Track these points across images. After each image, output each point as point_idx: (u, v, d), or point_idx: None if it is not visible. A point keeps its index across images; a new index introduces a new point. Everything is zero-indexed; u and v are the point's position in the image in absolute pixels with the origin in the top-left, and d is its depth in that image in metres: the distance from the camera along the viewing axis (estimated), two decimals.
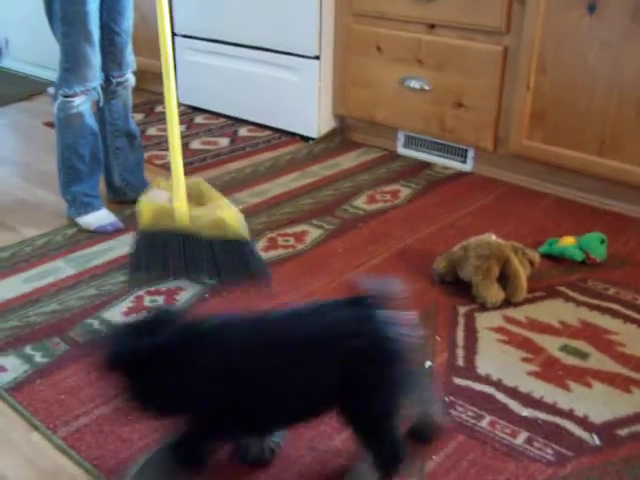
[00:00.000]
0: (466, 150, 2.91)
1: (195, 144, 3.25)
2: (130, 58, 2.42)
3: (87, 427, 1.50)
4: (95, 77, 2.29)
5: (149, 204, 1.99)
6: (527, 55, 2.53)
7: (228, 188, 2.74)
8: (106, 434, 1.48)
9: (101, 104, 2.43)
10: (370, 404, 1.24)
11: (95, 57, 2.25)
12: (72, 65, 2.24)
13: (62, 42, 2.23)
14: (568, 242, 2.20)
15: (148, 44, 3.39)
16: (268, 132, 3.39)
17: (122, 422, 1.51)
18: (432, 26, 2.79)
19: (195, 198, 2.00)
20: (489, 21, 2.62)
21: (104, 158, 2.49)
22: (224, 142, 3.28)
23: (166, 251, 2.00)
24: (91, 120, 2.36)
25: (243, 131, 3.42)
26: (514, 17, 2.56)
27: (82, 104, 2.30)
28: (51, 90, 4.07)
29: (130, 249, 2.07)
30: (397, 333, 1.22)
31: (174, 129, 1.97)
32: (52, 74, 4.31)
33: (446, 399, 1.59)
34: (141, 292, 2.02)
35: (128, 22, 2.36)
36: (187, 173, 2.85)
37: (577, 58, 2.45)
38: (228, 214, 1.92)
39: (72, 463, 1.42)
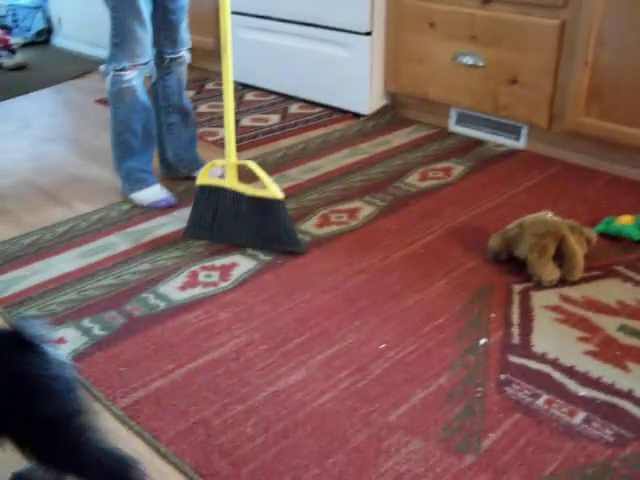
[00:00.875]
0: (520, 127, 2.86)
1: (246, 121, 3.25)
2: (185, 36, 2.42)
3: (145, 399, 1.52)
4: (144, 53, 2.28)
5: (206, 171, 2.18)
6: (585, 29, 2.47)
7: (279, 165, 2.74)
8: (164, 407, 1.50)
9: (153, 80, 2.44)
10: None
11: (144, 34, 2.25)
12: (120, 40, 2.24)
13: (111, 17, 2.23)
14: (626, 221, 2.15)
15: (199, 21, 3.40)
16: (319, 109, 3.38)
17: (179, 395, 1.53)
18: (487, 1, 2.74)
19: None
20: None
21: (157, 134, 2.50)
22: (275, 119, 3.28)
23: (216, 206, 2.16)
24: (143, 95, 2.36)
25: (294, 108, 3.42)
26: None
27: (133, 79, 2.30)
28: (103, 68, 4.11)
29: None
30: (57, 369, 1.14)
31: (229, 112, 2.10)
32: (103, 52, 4.35)
33: (502, 377, 1.58)
34: (196, 267, 2.04)
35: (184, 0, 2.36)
36: (238, 150, 2.88)
37: (638, 31, 2.38)
38: (270, 187, 2.08)
39: (132, 433, 1.44)
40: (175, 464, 1.36)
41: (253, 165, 2.10)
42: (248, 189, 2.11)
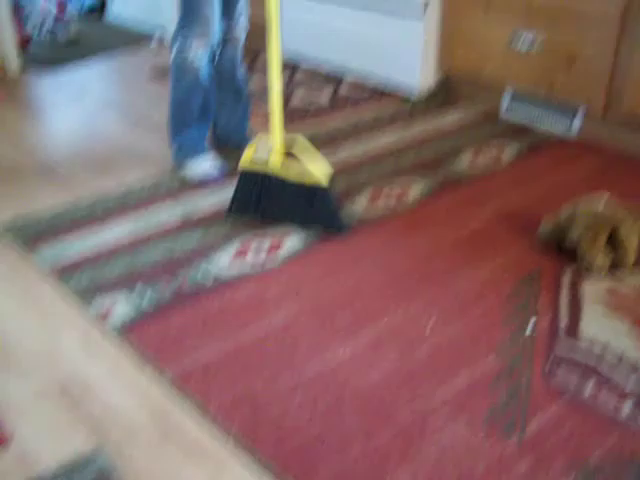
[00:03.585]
0: (575, 111, 2.81)
1: (296, 98, 3.25)
2: (242, 14, 2.43)
3: (194, 369, 1.55)
4: (211, 33, 2.29)
5: (250, 152, 2.12)
6: None
7: (329, 142, 2.74)
8: (212, 377, 1.52)
9: (215, 60, 2.45)
10: None
11: (212, 13, 2.25)
12: (188, 20, 2.26)
13: None
14: None
15: None
16: (371, 87, 3.36)
17: (227, 367, 1.56)
18: None
19: (292, 151, 2.13)
20: None
21: None
22: (326, 96, 3.27)
23: (258, 190, 2.13)
24: (204, 75, 2.37)
25: (345, 85, 3.40)
26: None
27: (197, 58, 2.31)
28: (154, 42, 4.15)
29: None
30: None
31: (275, 87, 2.05)
32: (154, 28, 4.38)
33: (549, 362, 1.57)
34: (247, 240, 2.06)
35: None
36: (288, 126, 2.88)
37: None
38: (315, 167, 2.03)
39: (181, 401, 1.47)
40: (223, 433, 1.39)
41: (299, 144, 2.06)
42: (292, 172, 2.06)
